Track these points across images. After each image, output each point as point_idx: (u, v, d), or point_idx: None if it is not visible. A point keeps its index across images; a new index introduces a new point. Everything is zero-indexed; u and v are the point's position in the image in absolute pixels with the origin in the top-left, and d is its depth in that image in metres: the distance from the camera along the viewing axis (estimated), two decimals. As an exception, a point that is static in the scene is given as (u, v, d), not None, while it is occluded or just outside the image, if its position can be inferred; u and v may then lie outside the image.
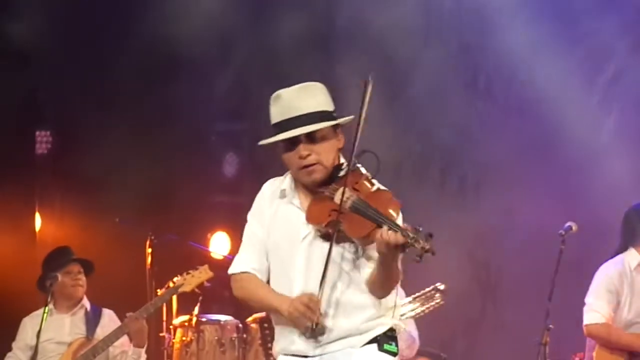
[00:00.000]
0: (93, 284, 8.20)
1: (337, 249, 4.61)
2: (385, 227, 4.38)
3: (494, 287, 9.01)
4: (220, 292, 9.18)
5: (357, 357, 4.62)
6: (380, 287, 4.59)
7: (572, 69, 9.46)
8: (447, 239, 9.20)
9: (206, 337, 8.26)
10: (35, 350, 7.28)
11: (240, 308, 8.38)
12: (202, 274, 7.61)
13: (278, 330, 4.72)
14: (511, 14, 9.58)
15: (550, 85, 9.42)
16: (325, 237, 4.59)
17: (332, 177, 4.61)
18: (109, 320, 7.73)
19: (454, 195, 9.58)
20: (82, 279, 7.64)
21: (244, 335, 8.29)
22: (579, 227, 6.80)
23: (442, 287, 7.41)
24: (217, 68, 9.97)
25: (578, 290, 7.63)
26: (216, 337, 8.24)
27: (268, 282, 4.84)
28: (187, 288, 7.60)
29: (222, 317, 8.40)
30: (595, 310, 6.87)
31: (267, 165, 8.37)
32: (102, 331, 7.60)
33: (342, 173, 4.61)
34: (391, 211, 4.46)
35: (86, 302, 7.72)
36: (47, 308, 7.52)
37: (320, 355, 4.68)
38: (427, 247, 4.34)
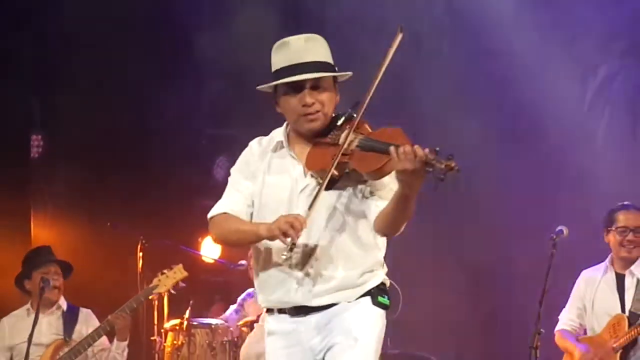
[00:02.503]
0: (85, 286, 8.23)
1: (339, 199, 4.54)
2: (401, 148, 4.24)
3: (484, 291, 8.98)
4: (212, 296, 9.33)
5: (354, 311, 4.51)
6: (392, 222, 4.47)
7: (565, 72, 9.29)
8: (437, 242, 9.08)
9: (197, 341, 8.06)
10: (27, 352, 7.12)
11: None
12: (176, 274, 7.51)
13: (264, 278, 4.58)
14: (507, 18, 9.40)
15: (544, 86, 9.26)
16: (326, 186, 4.49)
17: (329, 129, 4.53)
18: (87, 319, 7.64)
19: (447, 199, 9.39)
20: (59, 280, 7.51)
21: (235, 339, 8.04)
22: (570, 231, 6.60)
23: None
24: (207, 75, 9.87)
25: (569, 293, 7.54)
26: (207, 341, 8.03)
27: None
28: (161, 289, 7.52)
29: (213, 321, 8.25)
30: (560, 317, 6.92)
31: None
32: (79, 331, 7.53)
33: (340, 122, 4.54)
34: (400, 141, 4.32)
35: (63, 303, 7.61)
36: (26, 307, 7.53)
37: (318, 308, 4.54)
38: (452, 164, 4.14)
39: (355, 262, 4.55)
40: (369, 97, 4.40)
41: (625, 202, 7.08)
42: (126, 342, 7.49)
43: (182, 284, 7.63)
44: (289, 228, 4.24)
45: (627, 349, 6.74)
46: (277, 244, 4.44)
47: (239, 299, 8.84)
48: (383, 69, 4.41)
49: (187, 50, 9.76)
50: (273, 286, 4.55)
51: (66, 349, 7.35)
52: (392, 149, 4.20)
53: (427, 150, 4.16)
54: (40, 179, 9.83)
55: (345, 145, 4.36)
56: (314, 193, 4.45)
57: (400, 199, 4.32)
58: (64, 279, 7.53)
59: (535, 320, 6.43)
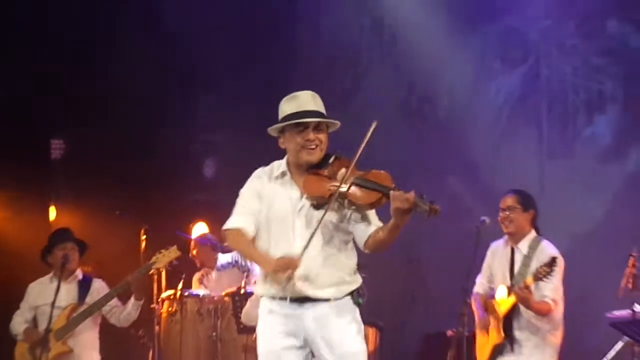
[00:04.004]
0: (99, 262, 8.82)
1: (330, 218, 5.08)
2: (397, 192, 4.82)
3: (423, 268, 8.93)
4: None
5: (338, 307, 5.04)
6: (382, 245, 5.06)
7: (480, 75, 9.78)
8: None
9: (188, 308, 8.52)
10: (51, 314, 7.53)
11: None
12: (171, 254, 7.87)
13: (272, 277, 5.05)
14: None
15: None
16: (318, 207, 5.04)
17: (322, 164, 5.11)
18: (99, 288, 7.99)
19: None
20: (75, 255, 7.88)
21: (219, 307, 8.48)
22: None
23: None
24: (202, 88, 10.29)
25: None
26: (196, 308, 8.50)
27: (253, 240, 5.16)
28: (159, 265, 7.90)
29: (201, 292, 8.66)
30: (476, 281, 7.25)
31: (239, 170, 9.30)
32: (91, 298, 7.88)
33: (330, 160, 5.09)
34: (388, 183, 4.92)
35: (79, 274, 7.99)
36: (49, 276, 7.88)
37: (314, 300, 5.06)
38: (436, 207, 4.80)
39: (341, 265, 5.13)
40: (360, 151, 4.97)
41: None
42: (141, 302, 7.91)
43: (175, 262, 8.08)
44: (286, 270, 4.83)
45: (510, 316, 7.03)
46: (280, 251, 5.02)
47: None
48: (361, 147, 4.94)
49: (178, 67, 10.22)
50: (275, 281, 5.06)
51: (80, 310, 7.74)
52: (392, 193, 4.84)
53: (414, 194, 4.79)
54: (59, 176, 10.32)
55: (343, 182, 4.95)
56: (310, 215, 5.02)
57: (392, 228, 4.92)
58: (80, 256, 7.94)
59: (463, 292, 6.89)
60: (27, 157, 9.78)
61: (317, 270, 5.08)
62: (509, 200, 7.09)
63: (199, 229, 9.43)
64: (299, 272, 4.99)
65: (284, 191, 5.18)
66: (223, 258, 9.21)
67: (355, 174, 4.97)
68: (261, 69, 10.27)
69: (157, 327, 8.50)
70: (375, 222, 5.12)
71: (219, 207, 8.81)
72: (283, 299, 5.12)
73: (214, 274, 9.20)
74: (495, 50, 9.89)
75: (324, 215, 4.97)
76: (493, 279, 7.28)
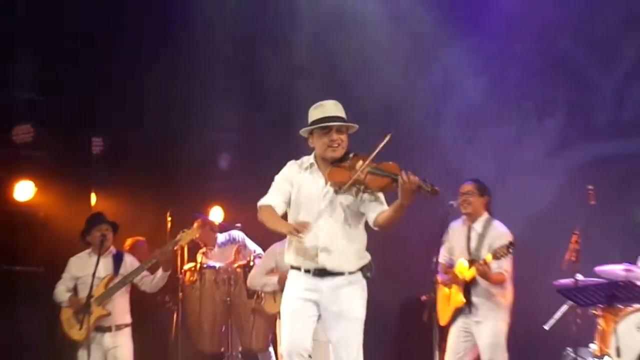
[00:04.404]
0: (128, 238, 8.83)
1: (345, 199, 5.32)
2: (403, 175, 5.03)
3: (402, 243, 8.59)
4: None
5: (350, 280, 5.28)
6: (389, 222, 5.26)
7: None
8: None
9: (206, 278, 8.64)
10: (91, 284, 7.53)
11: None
12: (193, 232, 7.95)
13: (296, 246, 5.31)
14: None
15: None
16: (339, 192, 5.26)
17: (342, 159, 5.36)
18: (130, 262, 7.97)
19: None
20: (110, 234, 7.85)
21: (232, 276, 8.60)
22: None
23: None
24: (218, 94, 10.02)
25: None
26: (213, 278, 8.62)
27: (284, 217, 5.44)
28: (182, 242, 7.94)
29: (217, 264, 8.65)
30: (440, 253, 7.12)
31: (248, 162, 9.55)
32: (124, 269, 7.86)
33: (350, 156, 5.31)
34: (396, 171, 5.16)
35: (113, 250, 7.96)
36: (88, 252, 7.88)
37: (331, 273, 5.28)
38: (437, 188, 5.07)
39: (355, 240, 5.38)
40: (376, 151, 5.17)
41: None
42: (168, 272, 7.94)
43: (196, 239, 8.34)
44: (299, 230, 5.10)
45: (468, 285, 7.15)
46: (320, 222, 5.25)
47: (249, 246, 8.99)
48: (377, 149, 5.14)
49: (200, 75, 9.85)
50: (301, 252, 5.34)
51: (115, 280, 7.74)
52: (400, 177, 5.06)
53: (418, 178, 5.03)
54: (99, 168, 10.07)
55: (361, 170, 5.21)
56: (332, 198, 5.25)
57: (399, 207, 5.17)
58: (113, 235, 7.91)
59: (434, 264, 6.77)
60: (72, 152, 9.72)
61: (337, 243, 5.31)
62: (468, 187, 7.26)
63: (215, 212, 9.73)
64: (321, 245, 5.29)
65: (312, 179, 5.41)
66: (221, 237, 9.14)
67: (370, 165, 5.24)
68: (267, 78, 9.99)
69: (180, 294, 8.59)
70: (384, 204, 5.36)
71: (232, 193, 9.55)
72: (307, 271, 5.36)
73: (216, 249, 9.07)
74: (460, 65, 9.74)
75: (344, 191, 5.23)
76: (453, 251, 7.37)
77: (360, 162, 5.27)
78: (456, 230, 7.36)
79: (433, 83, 9.86)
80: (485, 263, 6.92)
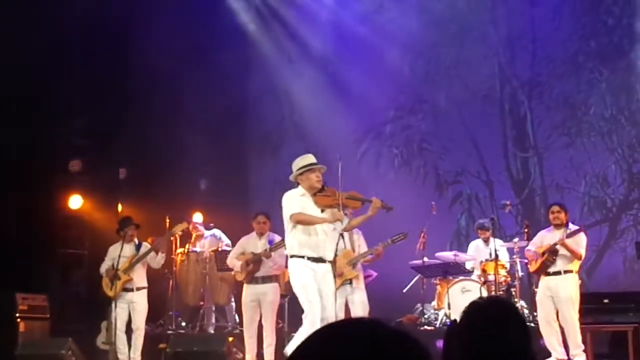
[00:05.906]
0: (144, 233, 10.10)
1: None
2: (374, 199, 6.26)
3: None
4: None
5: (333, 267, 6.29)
6: (354, 227, 6.61)
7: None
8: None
9: (191, 258, 10.80)
10: (118, 261, 9.14)
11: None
12: (183, 225, 9.59)
13: (313, 241, 6.46)
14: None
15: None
16: (324, 211, 6.32)
17: (321, 189, 6.52)
18: (145, 247, 9.52)
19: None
20: (134, 231, 9.46)
21: (207, 257, 10.63)
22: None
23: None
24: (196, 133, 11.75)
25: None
26: (195, 258, 10.77)
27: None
28: (176, 231, 9.54)
29: (198, 249, 10.71)
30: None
31: (220, 185, 11.88)
32: (143, 252, 9.46)
33: (325, 187, 6.42)
34: (361, 195, 6.36)
35: (135, 240, 9.57)
36: (121, 242, 9.54)
37: (324, 261, 6.45)
38: (391, 207, 6.32)
39: (334, 239, 6.61)
40: (343, 191, 6.19)
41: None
42: (164, 254, 9.47)
43: (185, 230, 9.96)
44: (338, 218, 6.36)
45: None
46: (314, 234, 6.34)
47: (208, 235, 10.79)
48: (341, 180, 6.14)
49: (186, 116, 11.61)
50: (316, 245, 6.50)
51: (136, 258, 9.36)
52: (373, 200, 6.22)
53: (380, 200, 6.28)
54: (123, 188, 12.12)
55: (340, 197, 6.38)
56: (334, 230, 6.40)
57: (366, 219, 6.66)
58: (136, 230, 9.57)
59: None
60: (106, 177, 11.72)
61: (327, 241, 6.59)
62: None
63: (197, 216, 11.72)
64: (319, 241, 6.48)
65: (309, 202, 6.65)
66: (207, 233, 11.04)
67: (344, 194, 6.50)
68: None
69: (174, 268, 10.70)
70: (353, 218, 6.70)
71: (208, 204, 11.76)
72: (310, 259, 6.59)
73: (203, 241, 10.96)
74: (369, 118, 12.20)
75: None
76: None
77: (334, 191, 6.40)
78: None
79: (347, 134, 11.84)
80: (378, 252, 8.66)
